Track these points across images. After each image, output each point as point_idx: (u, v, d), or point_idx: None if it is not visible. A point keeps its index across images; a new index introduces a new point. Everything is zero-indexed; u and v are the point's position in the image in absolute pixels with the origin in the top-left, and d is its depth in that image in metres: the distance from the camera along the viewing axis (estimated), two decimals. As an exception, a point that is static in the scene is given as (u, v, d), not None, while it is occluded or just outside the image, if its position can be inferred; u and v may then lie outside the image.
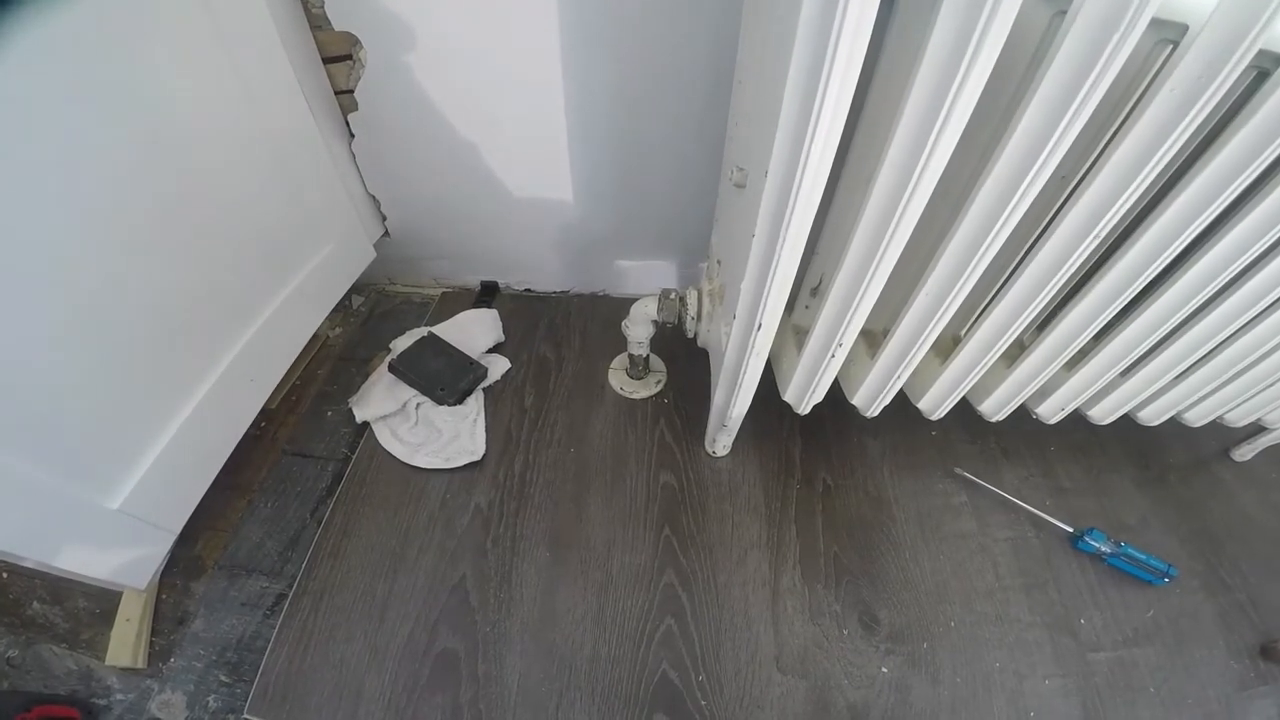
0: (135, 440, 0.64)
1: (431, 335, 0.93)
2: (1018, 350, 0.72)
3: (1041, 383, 0.72)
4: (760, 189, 0.49)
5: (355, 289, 1.09)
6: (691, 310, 0.79)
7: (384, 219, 1.01)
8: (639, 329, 0.86)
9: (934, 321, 0.63)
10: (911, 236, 0.52)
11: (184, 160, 0.64)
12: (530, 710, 0.65)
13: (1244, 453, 0.91)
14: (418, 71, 0.80)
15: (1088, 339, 0.65)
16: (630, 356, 0.91)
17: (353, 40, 0.78)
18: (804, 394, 0.75)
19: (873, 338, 0.76)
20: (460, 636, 0.69)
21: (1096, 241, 0.52)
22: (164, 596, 0.73)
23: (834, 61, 0.38)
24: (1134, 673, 0.70)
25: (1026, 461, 0.88)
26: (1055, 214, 0.54)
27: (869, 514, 0.82)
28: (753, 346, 0.65)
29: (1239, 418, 0.82)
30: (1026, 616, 0.73)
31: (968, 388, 0.75)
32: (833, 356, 0.68)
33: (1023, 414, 0.78)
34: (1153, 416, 0.80)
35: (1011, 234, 0.52)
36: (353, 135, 0.90)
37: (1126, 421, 0.80)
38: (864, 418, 0.78)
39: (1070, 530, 0.78)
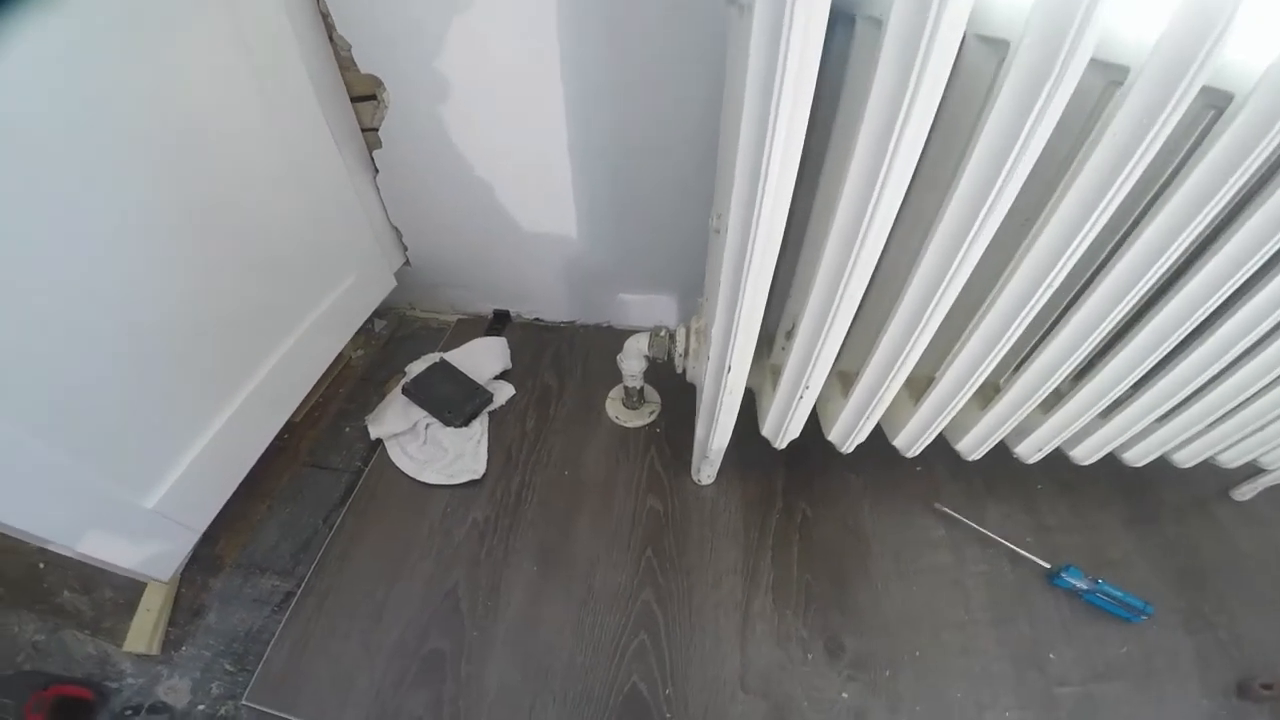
0: (171, 449, 0.70)
1: (443, 361, 0.99)
2: (993, 391, 0.72)
3: (1016, 424, 0.72)
4: (724, 238, 0.52)
5: (378, 313, 1.16)
6: (680, 347, 0.83)
7: (405, 249, 1.08)
8: (632, 363, 0.91)
9: (900, 362, 0.64)
10: (874, 281, 0.55)
11: (219, 188, 0.70)
12: (506, 710, 0.68)
13: (1244, 492, 0.89)
14: (435, 113, 0.87)
15: (1063, 379, 0.65)
16: (625, 388, 0.96)
17: (377, 82, 0.85)
18: (779, 430, 0.78)
19: (847, 378, 0.79)
20: (448, 638, 0.73)
21: (1058, 282, 0.52)
22: (183, 590, 0.78)
23: (778, 112, 0.41)
24: (1100, 707, 0.70)
25: (1010, 499, 0.88)
26: (1017, 254, 0.53)
27: (846, 545, 0.84)
28: (725, 385, 0.68)
29: (1232, 459, 0.79)
30: (994, 649, 0.74)
31: (941, 427, 0.75)
32: (801, 397, 0.71)
33: (1005, 452, 0.79)
34: (1138, 458, 0.79)
35: (973, 276, 0.52)
36: (377, 170, 0.97)
37: (1117, 460, 0.80)
38: (847, 455, 0.80)
39: (1047, 566, 0.78)
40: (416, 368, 1.00)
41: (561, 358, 1.09)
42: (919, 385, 0.78)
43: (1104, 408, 0.70)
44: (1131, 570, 0.81)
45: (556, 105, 0.83)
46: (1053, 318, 0.62)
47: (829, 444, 0.81)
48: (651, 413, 0.99)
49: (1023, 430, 0.76)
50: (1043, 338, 0.64)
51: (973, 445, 0.78)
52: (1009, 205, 0.46)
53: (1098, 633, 0.75)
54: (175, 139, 0.63)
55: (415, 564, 0.80)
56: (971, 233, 0.48)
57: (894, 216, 0.48)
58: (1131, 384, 0.65)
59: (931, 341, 0.62)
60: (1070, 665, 0.73)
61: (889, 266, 0.56)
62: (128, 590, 0.78)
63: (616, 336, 1.11)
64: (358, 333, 1.11)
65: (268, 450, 0.93)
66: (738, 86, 0.44)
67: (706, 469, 0.88)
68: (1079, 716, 0.69)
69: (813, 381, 0.68)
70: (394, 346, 1.11)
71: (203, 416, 0.73)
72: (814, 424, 0.79)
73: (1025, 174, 0.44)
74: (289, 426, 0.97)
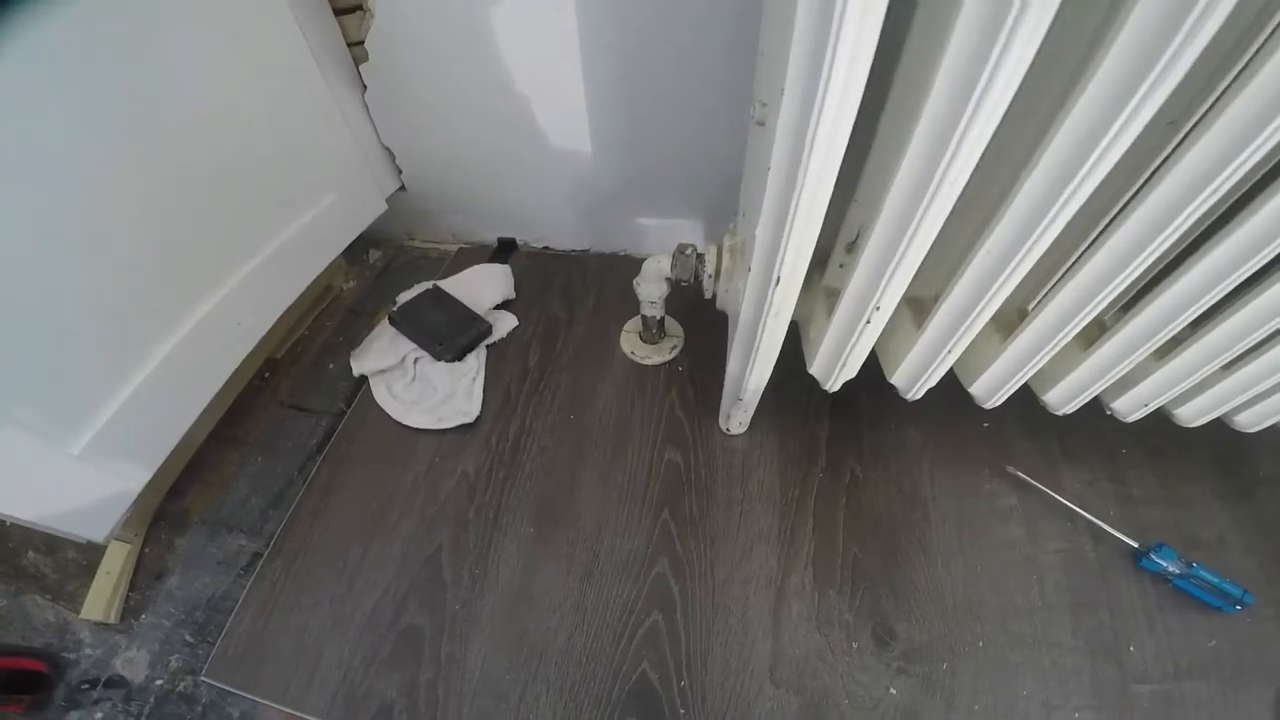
0: (103, 378, 0.59)
1: (435, 288, 0.85)
2: (1097, 331, 0.58)
3: (1123, 372, 0.57)
4: (778, 115, 0.38)
5: (373, 243, 1.03)
6: (710, 267, 0.68)
7: (399, 172, 0.94)
8: (651, 287, 0.75)
9: (995, 289, 0.50)
10: (972, 179, 0.40)
11: (173, 92, 0.59)
12: (492, 699, 0.57)
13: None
14: (427, 19, 0.74)
15: (1185, 324, 0.50)
16: (643, 318, 0.81)
17: None
18: (833, 367, 0.63)
19: (920, 305, 0.62)
20: (428, 612, 0.62)
21: (1208, 204, 0.39)
22: (148, 550, 0.70)
23: None
24: (1179, 709, 0.56)
25: (1092, 464, 0.72)
26: (1159, 166, 0.40)
27: (900, 513, 0.69)
28: (770, 305, 0.54)
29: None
30: (1068, 640, 0.60)
31: (1032, 372, 0.60)
32: (868, 323, 0.55)
33: (1094, 409, 0.63)
34: (1254, 421, 0.63)
35: (1101, 184, 0.39)
36: (365, 86, 0.83)
37: (1216, 425, 0.64)
38: (905, 402, 0.65)
39: (1135, 545, 0.64)
40: (407, 297, 0.87)
41: (572, 287, 0.94)
42: (1008, 320, 0.61)
43: (1230, 358, 0.55)
44: (1226, 553, 0.65)
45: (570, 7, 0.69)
46: (1187, 245, 0.47)
47: (879, 391, 0.65)
48: (673, 348, 0.84)
49: (1127, 381, 0.60)
50: (1170, 268, 0.49)
51: (1065, 397, 0.63)
52: (1163, 98, 0.33)
53: (1185, 623, 0.61)
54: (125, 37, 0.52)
55: (395, 523, 0.69)
56: (1119, 121, 0.34)
57: (1015, 85, 0.33)
58: (1270, 331, 0.50)
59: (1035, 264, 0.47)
60: (1151, 660, 0.59)
61: (994, 161, 0.40)
62: (90, 551, 0.70)
63: (633, 265, 0.94)
64: (351, 264, 0.99)
65: (245, 391, 0.83)
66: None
67: (739, 415, 0.73)
68: (1155, 718, 0.56)
69: (883, 304, 0.53)
70: (389, 278, 0.98)
71: (142, 342, 0.61)
72: (870, 365, 0.63)
73: (1193, 54, 0.30)
74: (270, 364, 0.87)
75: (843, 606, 0.62)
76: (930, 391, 0.64)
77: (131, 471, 0.62)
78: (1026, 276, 0.49)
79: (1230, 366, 0.57)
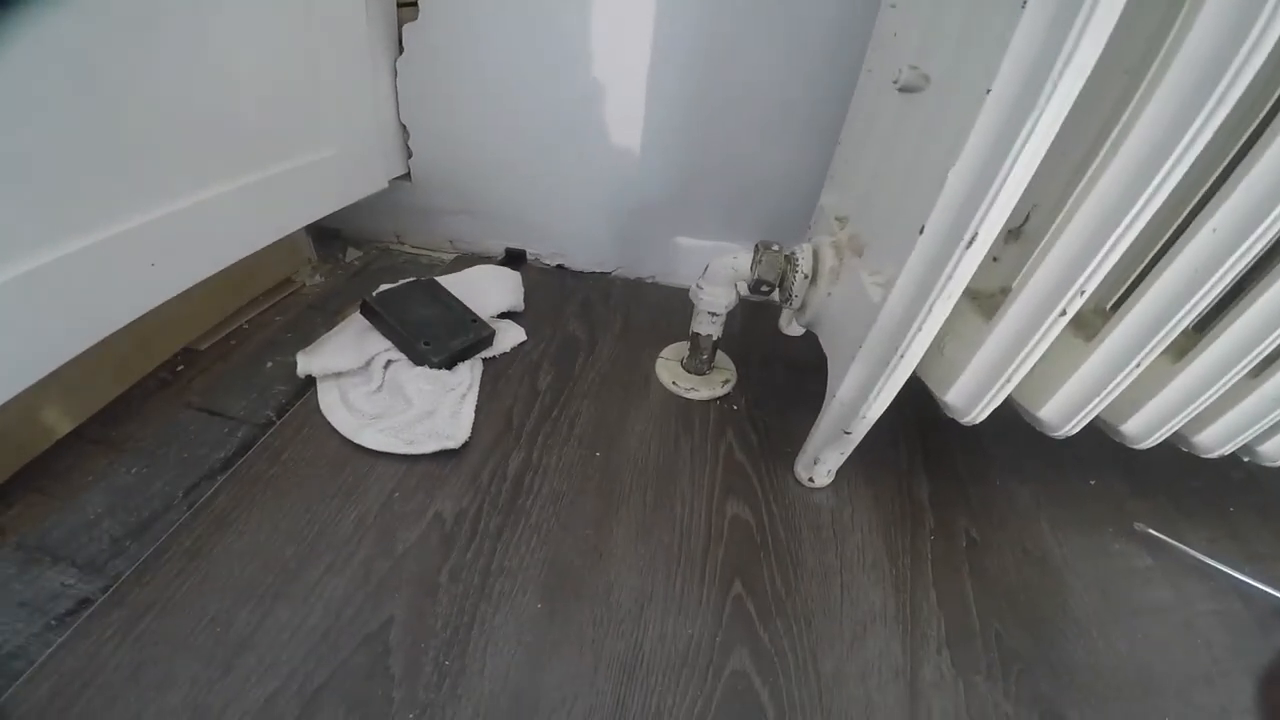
0: None
1: (430, 280, 0.64)
2: (1265, 363, 0.44)
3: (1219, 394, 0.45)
4: (982, 70, 0.32)
5: (353, 242, 0.83)
6: (805, 268, 0.51)
7: (409, 155, 0.76)
8: (717, 292, 0.57)
9: (1202, 292, 0.38)
10: None
11: None
12: None
13: None
14: None
15: None
16: (694, 339, 0.61)
17: None
18: (988, 389, 0.46)
19: (1082, 320, 0.47)
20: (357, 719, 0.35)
21: None
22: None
23: None
24: None
25: (1209, 522, 0.59)
26: None
27: (1034, 579, 0.50)
28: (948, 278, 0.38)
29: None
30: (1256, 705, 0.43)
31: (1202, 407, 0.46)
32: (1063, 313, 0.40)
33: (1194, 467, 0.56)
34: None
35: None
36: (402, 49, 0.69)
37: None
38: (1002, 454, 0.56)
39: None
40: (391, 287, 0.65)
41: (593, 308, 0.75)
42: (1180, 343, 0.46)
43: None
44: None
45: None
46: None
47: (970, 441, 0.56)
48: (726, 382, 0.63)
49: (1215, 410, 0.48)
50: None
51: (1223, 438, 0.50)
52: None
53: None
54: None
55: (319, 579, 0.42)
56: None
57: None
58: None
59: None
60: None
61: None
62: None
63: (665, 294, 0.79)
64: (323, 260, 0.78)
65: (143, 382, 0.58)
66: None
67: (830, 459, 0.53)
68: None
69: (1089, 287, 0.38)
70: (365, 279, 0.77)
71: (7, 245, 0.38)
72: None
73: None
74: (186, 355, 0.62)
75: (997, 695, 0.41)
76: (1023, 443, 0.50)
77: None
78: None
79: None
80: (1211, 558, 0.54)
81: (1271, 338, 0.41)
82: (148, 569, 0.42)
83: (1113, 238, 0.36)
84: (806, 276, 0.52)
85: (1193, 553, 0.55)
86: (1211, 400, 0.46)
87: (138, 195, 0.45)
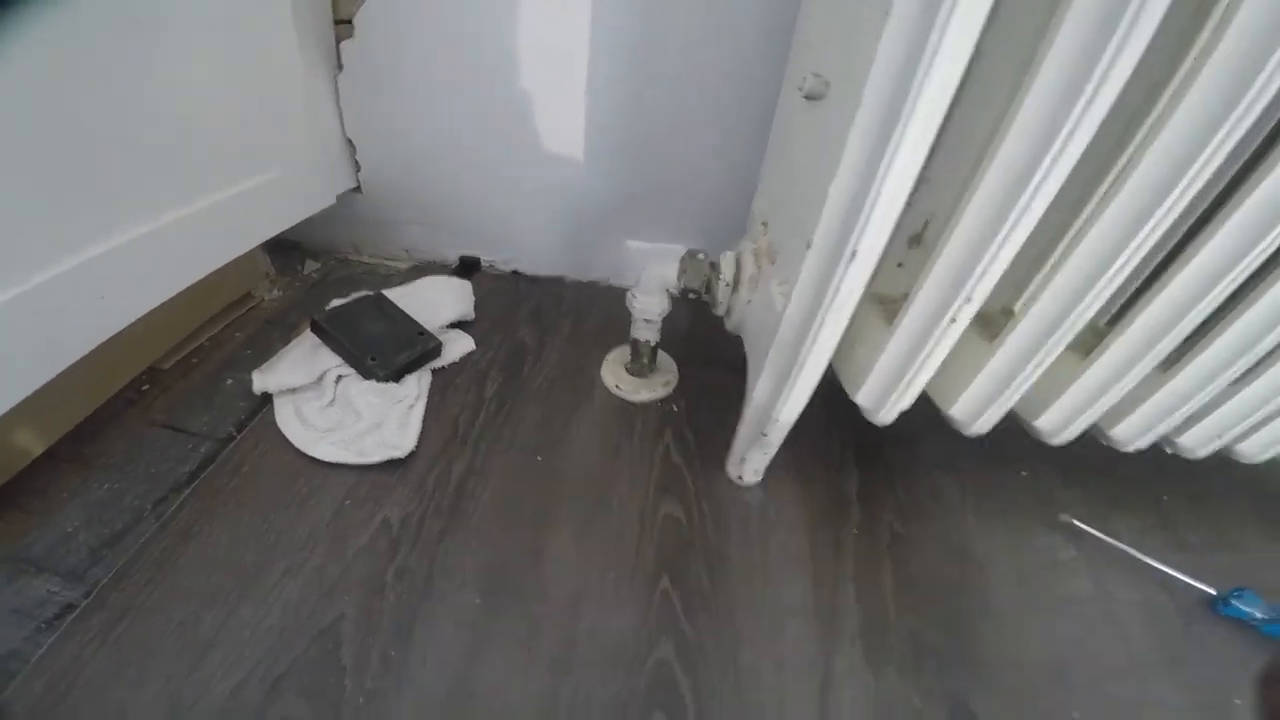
0: None
1: (378, 295, 0.69)
2: (1178, 354, 0.48)
3: (1203, 402, 0.50)
4: (857, 78, 0.34)
5: (311, 254, 0.88)
6: (726, 275, 0.56)
7: (357, 169, 0.81)
8: (650, 300, 0.62)
9: (1101, 284, 0.41)
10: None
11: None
12: None
13: None
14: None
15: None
16: (633, 344, 0.67)
17: None
18: (892, 390, 0.51)
19: (989, 320, 0.52)
20: (313, 707, 0.41)
21: None
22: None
23: None
24: None
25: (1140, 512, 0.64)
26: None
27: (954, 572, 0.55)
28: (835, 293, 0.42)
29: None
30: (1174, 698, 0.48)
31: (1114, 401, 0.51)
32: (953, 322, 0.44)
33: (1128, 457, 0.57)
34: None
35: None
36: (341, 67, 0.73)
37: (1237, 470, 0.60)
38: (933, 448, 0.60)
39: (1213, 592, 0.56)
40: (340, 304, 0.71)
41: (544, 313, 0.80)
42: (1087, 340, 0.51)
43: None
44: None
45: (582, 7, 0.66)
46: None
47: (904, 436, 0.58)
48: (666, 384, 0.69)
49: (1199, 413, 0.53)
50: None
51: (1138, 430, 0.54)
52: None
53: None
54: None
55: (277, 582, 0.48)
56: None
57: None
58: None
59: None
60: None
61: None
62: None
63: (616, 296, 0.84)
64: (280, 273, 0.82)
65: (110, 403, 0.63)
66: None
67: (757, 458, 0.58)
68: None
69: (976, 294, 0.42)
70: (323, 291, 0.82)
71: None
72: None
73: None
74: (151, 375, 0.67)
75: (908, 689, 0.46)
76: (957, 436, 0.55)
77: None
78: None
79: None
80: (1137, 549, 0.58)
81: (1178, 330, 0.44)
82: (123, 576, 0.48)
83: (992, 247, 0.39)
84: (729, 284, 0.56)
85: (1117, 544, 0.59)
86: (1122, 394, 0.50)
87: (80, 232, 0.50)
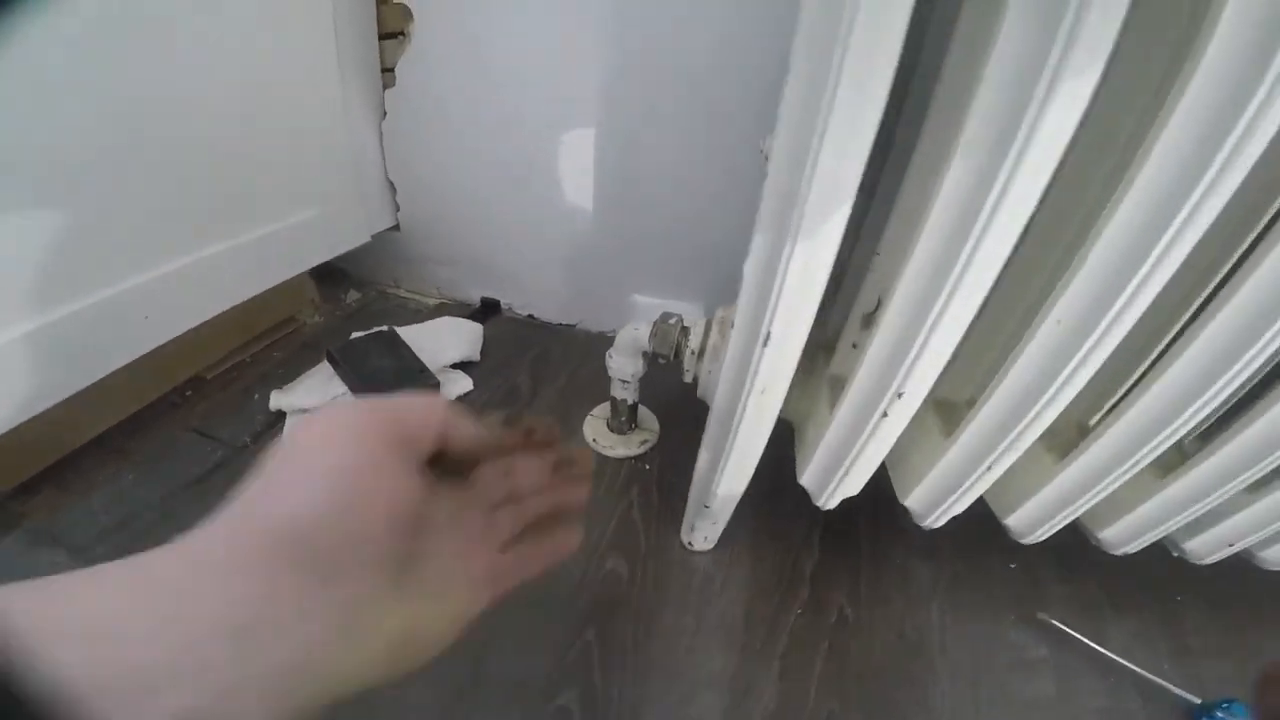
0: None
1: (390, 331, 0.78)
2: (1177, 459, 0.48)
3: (1206, 509, 0.46)
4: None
5: (356, 284, 0.99)
6: (694, 343, 0.60)
7: (397, 209, 0.92)
8: (624, 361, 0.67)
9: (1051, 394, 0.40)
10: (1027, 238, 0.34)
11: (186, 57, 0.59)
12: None
13: None
14: (458, 56, 0.77)
15: None
16: (612, 401, 0.71)
17: (407, 14, 0.76)
18: (831, 476, 0.52)
19: (952, 411, 0.53)
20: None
21: None
22: (-55, 548, 0.58)
23: None
24: None
25: (1141, 613, 0.61)
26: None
27: (899, 663, 0.55)
28: (754, 376, 0.44)
29: None
30: None
31: (1090, 504, 0.49)
32: (884, 416, 0.45)
33: (1150, 551, 0.54)
34: None
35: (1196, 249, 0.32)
36: (385, 114, 0.84)
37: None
38: (915, 533, 0.56)
39: (1196, 701, 0.53)
40: (360, 336, 0.80)
41: (546, 360, 0.86)
42: (1065, 437, 0.51)
43: None
44: None
45: (590, 60, 0.73)
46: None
47: (887, 517, 0.58)
48: (643, 443, 0.73)
49: (1207, 520, 0.50)
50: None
51: (1128, 536, 0.52)
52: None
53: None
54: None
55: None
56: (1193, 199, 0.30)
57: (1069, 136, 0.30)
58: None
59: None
60: None
61: (1056, 213, 0.37)
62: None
63: None
64: (324, 299, 0.94)
65: (156, 404, 0.75)
66: None
67: (705, 528, 0.61)
68: None
69: (908, 389, 0.43)
70: (360, 320, 0.92)
71: (27, 303, 0.54)
72: (879, 485, 0.53)
73: None
74: (195, 382, 0.79)
75: None
76: (951, 522, 0.53)
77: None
78: (1096, 376, 0.39)
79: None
80: (1125, 652, 0.56)
81: (1165, 433, 0.42)
82: (120, 554, 0.57)
83: (920, 336, 0.39)
84: (694, 352, 0.60)
85: (1094, 645, 0.57)
86: (1104, 493, 0.48)
87: (131, 260, 0.61)
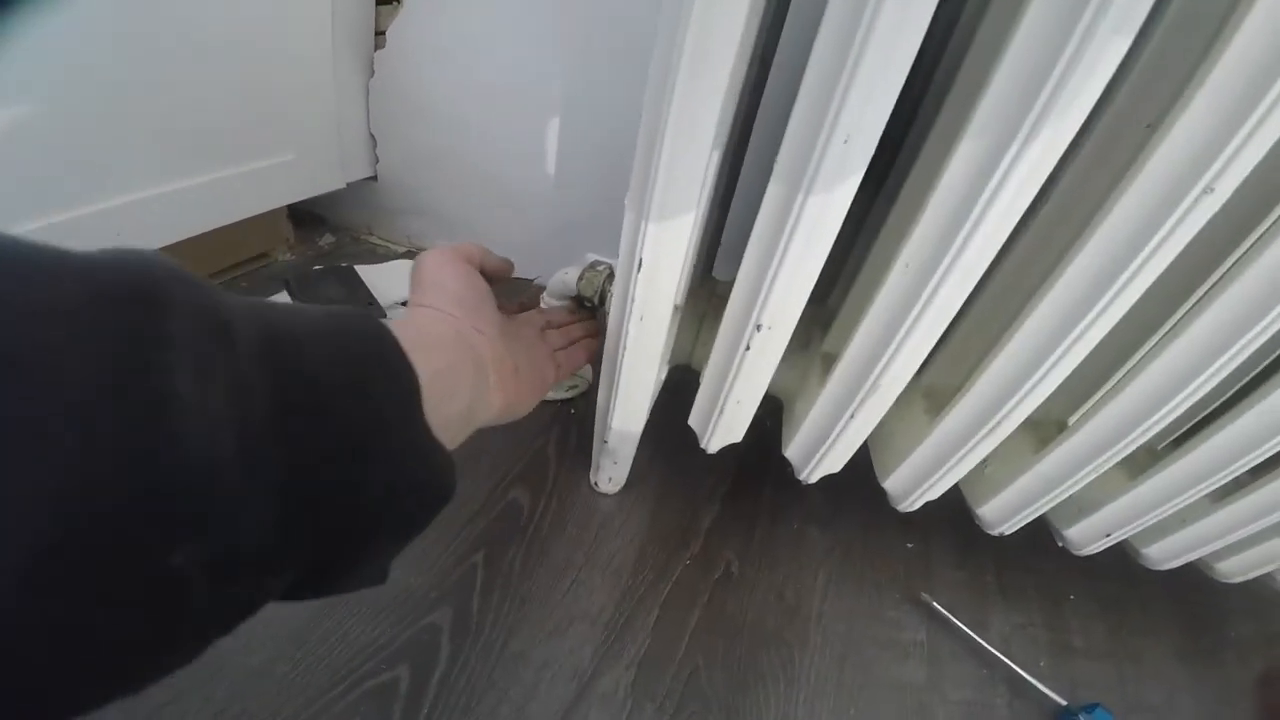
0: None
1: (347, 267, 0.84)
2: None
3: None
4: None
5: (331, 229, 1.05)
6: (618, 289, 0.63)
7: (376, 160, 0.97)
8: (555, 304, 0.70)
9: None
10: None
11: None
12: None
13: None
14: (442, 26, 0.83)
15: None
16: (548, 345, 0.75)
17: None
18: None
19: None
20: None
21: None
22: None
23: None
24: None
25: (1029, 607, 0.64)
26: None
27: (771, 624, 0.57)
28: (632, 301, 0.47)
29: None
30: None
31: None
32: (747, 349, 0.48)
33: (1043, 548, 0.58)
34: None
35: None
36: (373, 73, 0.90)
37: (1188, 581, 0.61)
38: (814, 500, 0.62)
39: (1063, 703, 0.55)
40: (316, 269, 0.86)
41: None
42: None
43: None
44: (1175, 716, 0.58)
45: (565, 46, 0.78)
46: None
47: (788, 484, 0.59)
48: (573, 387, 0.76)
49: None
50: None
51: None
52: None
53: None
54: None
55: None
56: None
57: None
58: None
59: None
60: None
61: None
62: None
63: None
64: (299, 240, 1.00)
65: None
66: None
67: (609, 468, 0.64)
68: None
69: (765, 319, 0.45)
70: (327, 260, 0.98)
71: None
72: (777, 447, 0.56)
73: None
74: (162, 308, 0.86)
75: None
76: (848, 495, 0.56)
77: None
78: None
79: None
80: (1001, 646, 0.57)
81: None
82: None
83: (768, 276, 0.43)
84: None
85: (972, 634, 0.58)
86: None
87: (117, 182, 0.67)
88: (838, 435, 0.52)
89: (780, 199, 0.39)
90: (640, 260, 0.45)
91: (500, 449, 0.68)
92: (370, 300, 0.80)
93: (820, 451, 0.54)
